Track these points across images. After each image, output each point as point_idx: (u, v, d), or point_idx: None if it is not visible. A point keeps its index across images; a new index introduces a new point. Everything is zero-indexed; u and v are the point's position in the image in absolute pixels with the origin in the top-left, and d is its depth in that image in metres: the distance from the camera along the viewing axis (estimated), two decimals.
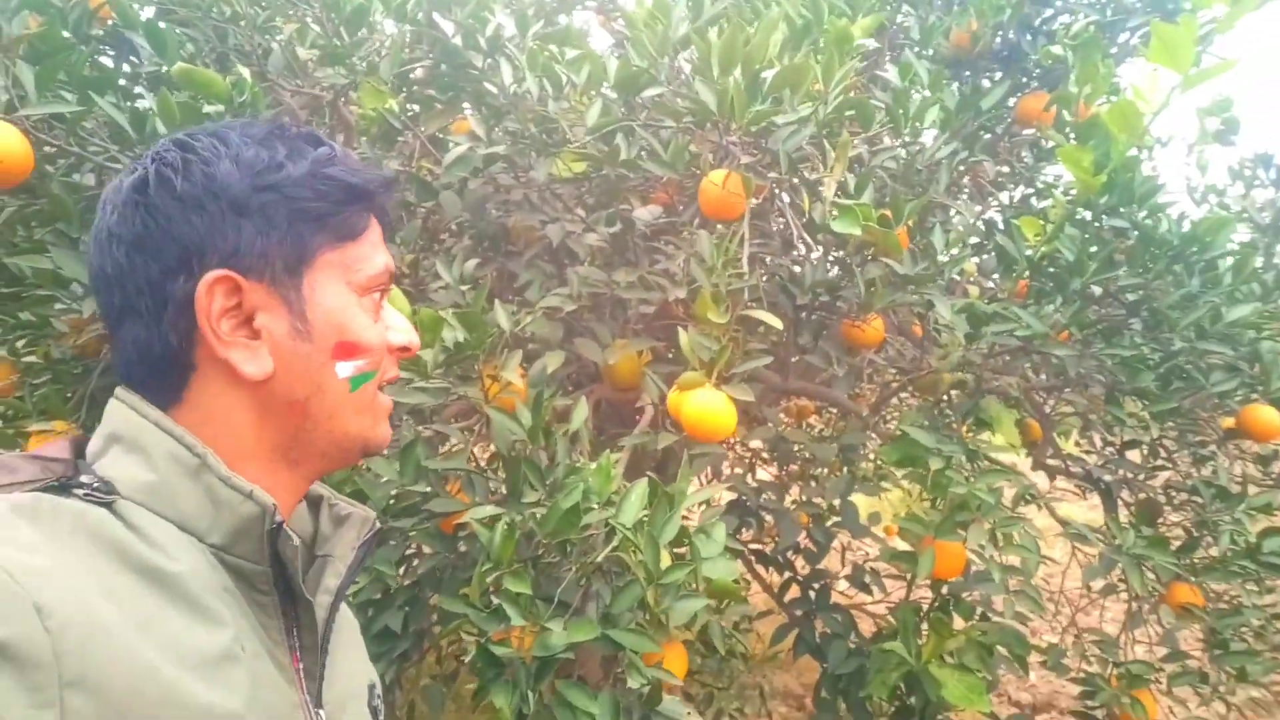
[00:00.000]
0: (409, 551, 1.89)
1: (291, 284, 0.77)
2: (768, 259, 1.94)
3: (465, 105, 2.37)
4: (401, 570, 1.78)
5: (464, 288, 1.82)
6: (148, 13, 1.98)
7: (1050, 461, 2.62)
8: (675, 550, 1.45)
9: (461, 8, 2.19)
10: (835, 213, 1.45)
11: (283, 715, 0.74)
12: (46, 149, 1.58)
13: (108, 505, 0.69)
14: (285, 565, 0.75)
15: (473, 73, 2.15)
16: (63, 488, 0.69)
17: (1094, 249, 1.98)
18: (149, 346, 0.74)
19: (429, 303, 1.99)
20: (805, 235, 1.50)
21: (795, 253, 1.97)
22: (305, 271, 0.78)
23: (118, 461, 0.73)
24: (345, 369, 0.78)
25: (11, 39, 1.43)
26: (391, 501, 1.61)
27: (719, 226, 1.71)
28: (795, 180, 1.54)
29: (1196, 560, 2.07)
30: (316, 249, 0.78)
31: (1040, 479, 2.70)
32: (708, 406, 1.35)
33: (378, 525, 0.89)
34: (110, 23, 1.87)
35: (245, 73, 1.60)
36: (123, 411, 0.75)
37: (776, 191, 1.63)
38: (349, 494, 1.50)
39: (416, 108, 2.40)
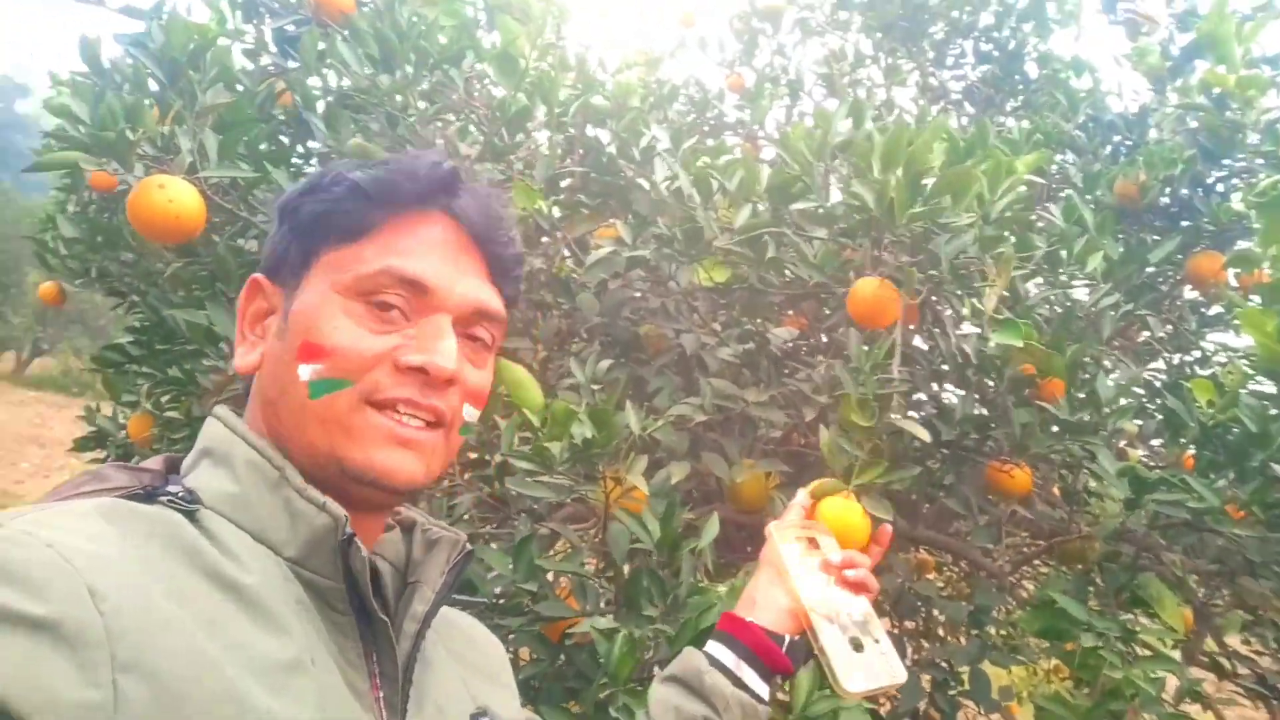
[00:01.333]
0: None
1: (295, 285, 0.78)
2: (911, 394, 1.84)
3: (612, 216, 2.40)
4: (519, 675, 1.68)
5: (595, 387, 1.77)
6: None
7: (1203, 658, 2.34)
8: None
9: (617, 120, 2.24)
10: (993, 329, 1.35)
11: None
12: (216, 215, 1.65)
13: (190, 513, 0.69)
14: (357, 580, 0.72)
15: (623, 182, 2.18)
16: (149, 496, 0.70)
17: (1278, 422, 1.80)
18: None
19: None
20: (964, 345, 1.40)
21: (940, 386, 1.86)
22: (306, 273, 0.77)
23: (205, 474, 0.74)
24: (305, 371, 0.74)
25: (203, 107, 1.51)
26: (499, 601, 1.54)
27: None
28: (951, 292, 1.46)
29: None
30: (318, 250, 0.78)
31: (1207, 677, 2.41)
32: (842, 514, 1.22)
33: (468, 548, 0.84)
34: (291, 105, 1.98)
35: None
36: (215, 426, 0.77)
37: (928, 308, 1.55)
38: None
39: (560, 211, 2.44)
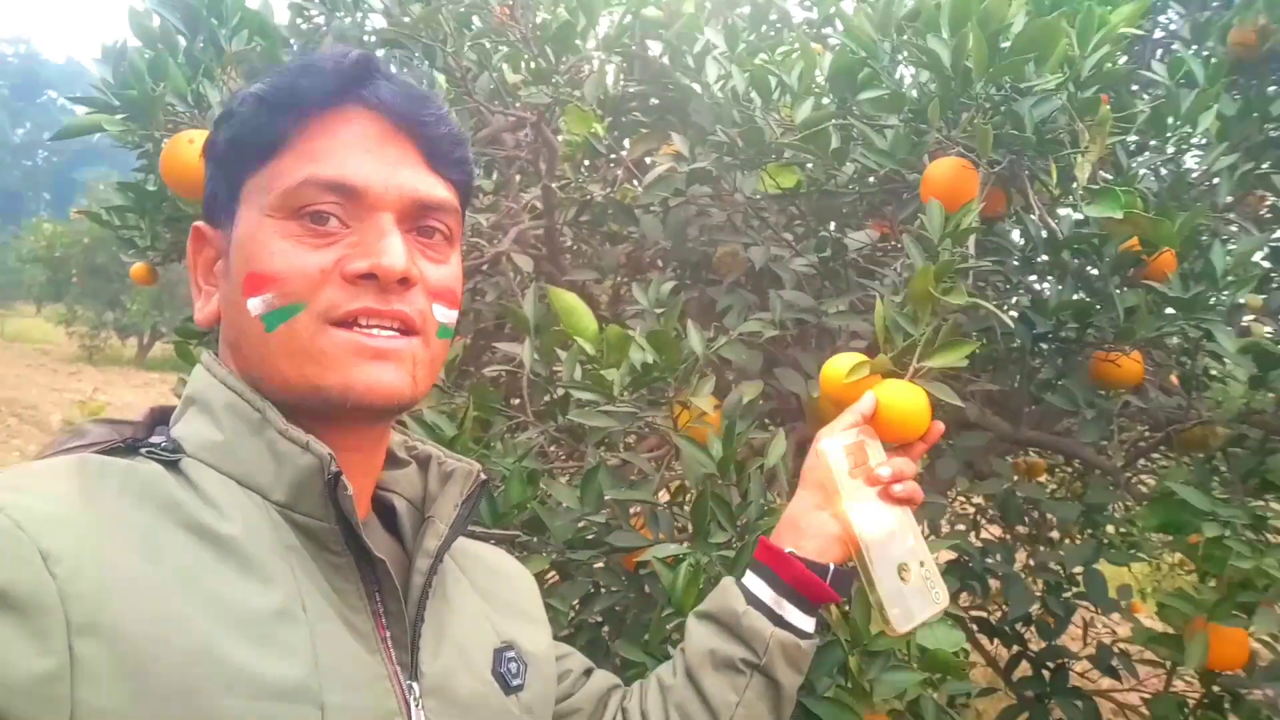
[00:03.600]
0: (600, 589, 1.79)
1: (229, 222, 0.73)
2: (1001, 283, 1.70)
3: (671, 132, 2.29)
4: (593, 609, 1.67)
5: (658, 311, 1.70)
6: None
7: None
8: None
9: (668, 29, 2.12)
10: (1088, 201, 1.20)
11: (359, 684, 0.66)
12: None
13: (173, 464, 0.67)
14: (350, 522, 0.68)
15: (672, 90, 2.07)
16: (130, 449, 0.68)
17: None
18: None
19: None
20: (1050, 220, 1.26)
21: (1035, 275, 1.72)
22: (237, 206, 0.73)
23: (190, 422, 0.72)
24: (255, 305, 0.69)
25: (229, 56, 1.47)
26: (583, 531, 1.50)
27: None
28: (1037, 163, 1.31)
29: None
30: (240, 178, 0.72)
31: None
32: (905, 400, 1.06)
33: (483, 478, 0.81)
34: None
35: (442, 79, 1.58)
36: (199, 373, 0.74)
37: (1015, 189, 1.40)
38: (525, 519, 1.41)
39: (618, 133, 2.34)
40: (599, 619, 1.62)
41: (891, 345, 1.19)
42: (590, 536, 1.45)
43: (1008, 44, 1.29)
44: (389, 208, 0.71)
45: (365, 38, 1.96)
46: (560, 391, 1.50)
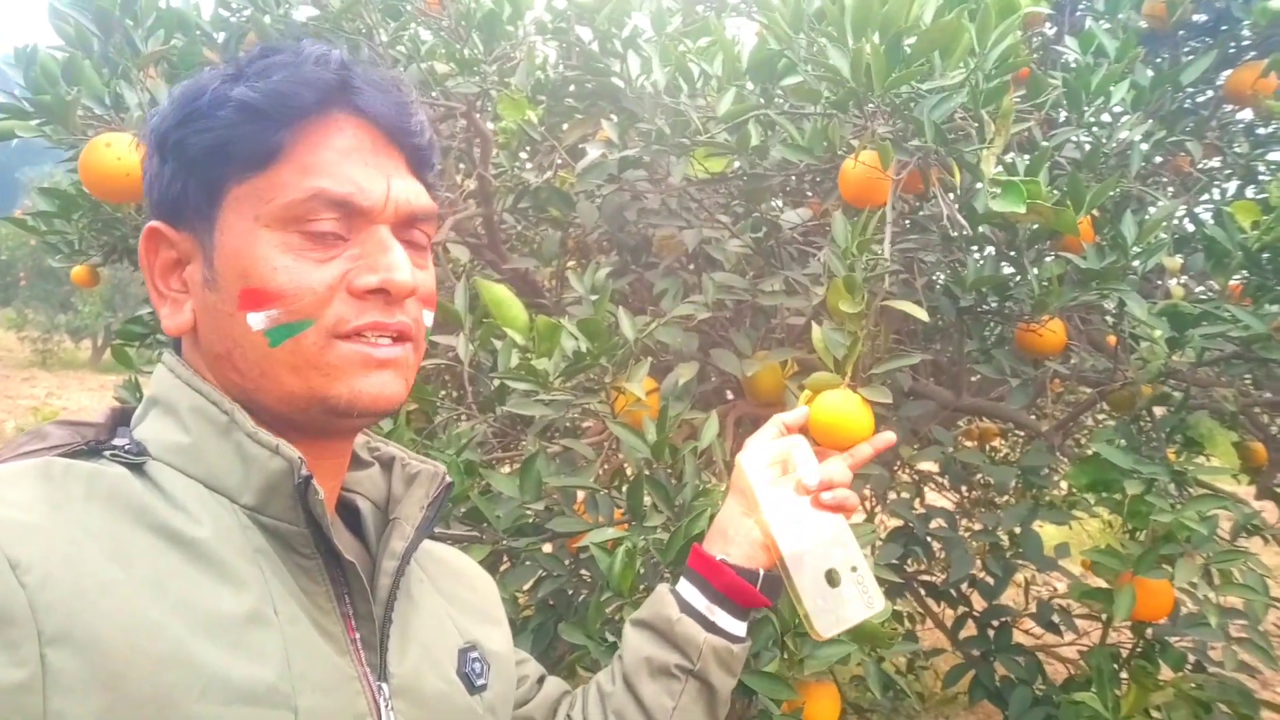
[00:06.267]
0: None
1: (206, 228, 0.70)
2: (927, 259, 1.74)
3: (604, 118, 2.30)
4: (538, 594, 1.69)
5: (593, 297, 1.72)
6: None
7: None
8: None
9: (599, 13, 2.12)
10: (996, 190, 1.24)
11: (331, 686, 0.66)
12: None
13: (137, 466, 0.66)
14: (320, 525, 0.69)
15: (608, 79, 2.08)
16: (93, 451, 0.67)
17: None
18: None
19: (566, 316, 1.92)
20: (957, 215, 1.29)
21: (956, 251, 1.76)
22: (217, 212, 0.70)
23: (154, 424, 0.71)
24: (257, 320, 0.68)
25: (145, 56, 1.46)
26: (524, 519, 1.53)
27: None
28: (944, 152, 1.33)
29: None
30: (222, 184, 0.69)
31: (1268, 509, 2.31)
32: (838, 409, 1.11)
33: (448, 480, 0.82)
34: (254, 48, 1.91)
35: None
36: (162, 374, 0.74)
37: (930, 175, 1.43)
38: (466, 510, 1.43)
39: (552, 119, 2.34)
40: (550, 603, 1.65)
41: (837, 362, 1.23)
42: (532, 522, 1.47)
43: (913, 42, 1.32)
44: (387, 220, 0.72)
45: (288, 30, 1.94)
46: (496, 383, 1.52)
